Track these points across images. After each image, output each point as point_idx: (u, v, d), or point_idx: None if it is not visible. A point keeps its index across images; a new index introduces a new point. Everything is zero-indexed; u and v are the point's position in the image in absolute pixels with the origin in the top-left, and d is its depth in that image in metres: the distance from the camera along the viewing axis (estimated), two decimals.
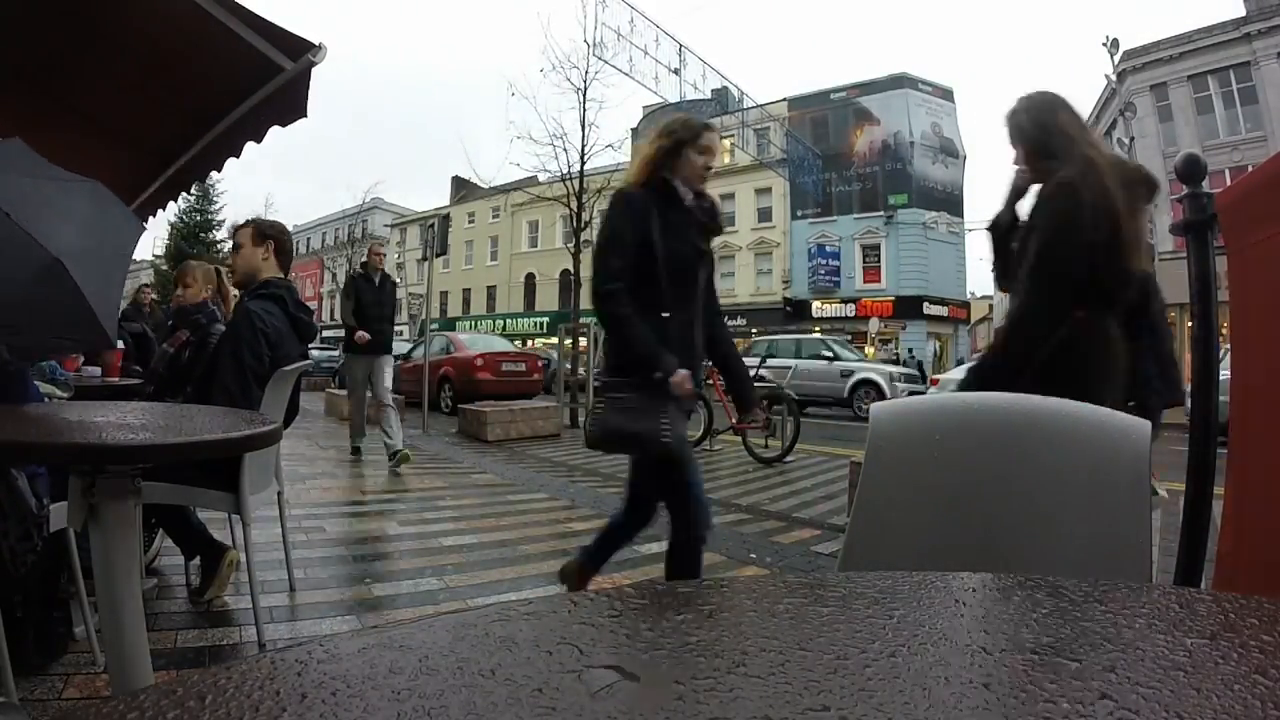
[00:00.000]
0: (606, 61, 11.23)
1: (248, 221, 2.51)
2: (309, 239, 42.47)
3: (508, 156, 30.70)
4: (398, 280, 6.11)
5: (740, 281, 26.19)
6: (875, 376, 12.53)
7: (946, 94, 24.46)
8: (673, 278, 1.84)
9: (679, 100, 14.60)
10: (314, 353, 8.91)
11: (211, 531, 2.29)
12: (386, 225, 39.02)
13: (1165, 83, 18.94)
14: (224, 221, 27.60)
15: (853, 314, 23.17)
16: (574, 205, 10.23)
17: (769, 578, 0.56)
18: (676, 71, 13.96)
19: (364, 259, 5.88)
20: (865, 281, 23.67)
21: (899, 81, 23.80)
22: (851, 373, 12.78)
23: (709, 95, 16.92)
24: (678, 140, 1.88)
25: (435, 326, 13.79)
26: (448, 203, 36.86)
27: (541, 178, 13.17)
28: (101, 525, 1.07)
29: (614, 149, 11.63)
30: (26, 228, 1.54)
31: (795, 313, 24.44)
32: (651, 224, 1.83)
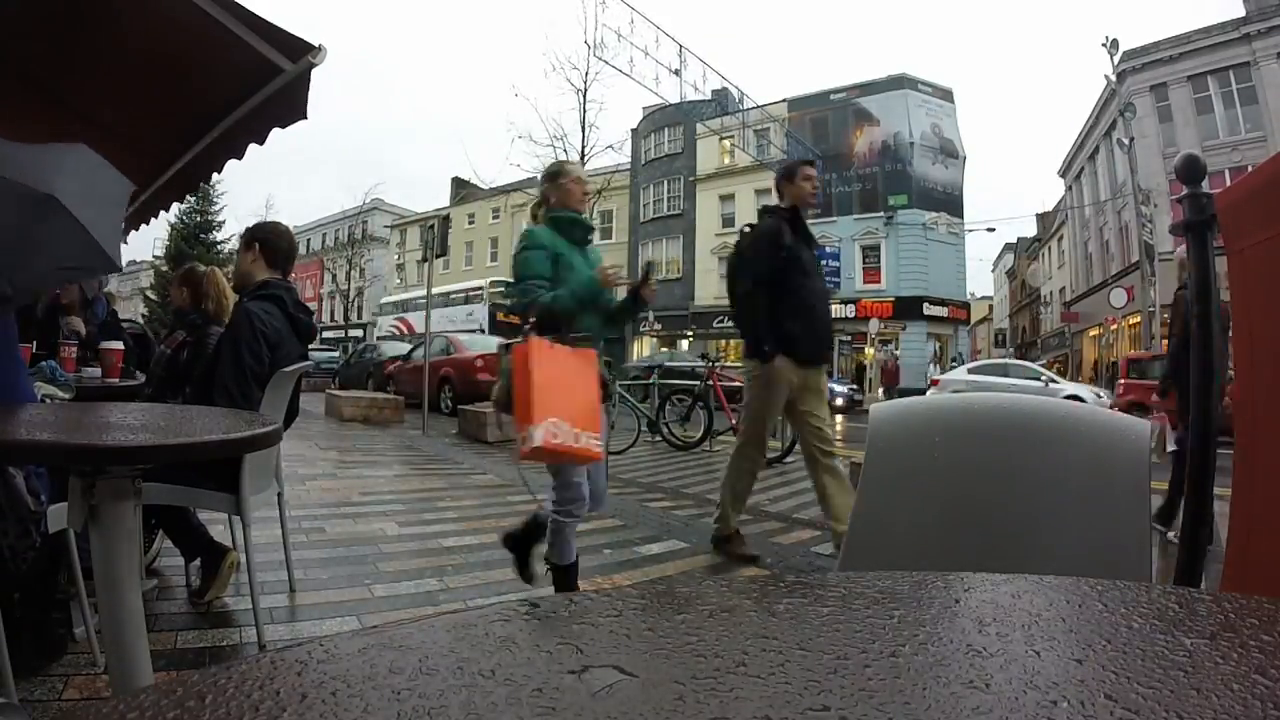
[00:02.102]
0: (607, 62, 11.27)
1: (248, 238, 2.51)
2: (309, 240, 42.43)
3: (508, 157, 30.77)
4: None
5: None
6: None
7: (946, 94, 24.46)
8: None
9: (679, 101, 14.62)
10: (314, 353, 8.94)
11: (211, 532, 2.29)
12: (387, 226, 39.05)
13: (1165, 83, 18.96)
14: (224, 223, 27.65)
15: (853, 315, 23.17)
16: None
17: (769, 578, 0.56)
18: (677, 72, 13.97)
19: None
20: (865, 282, 23.66)
21: (899, 82, 23.79)
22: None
23: (709, 96, 16.93)
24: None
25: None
26: (448, 204, 36.88)
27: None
28: (102, 526, 1.07)
29: (614, 150, 11.65)
30: (14, 177, 1.57)
31: None
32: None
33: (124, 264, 2.13)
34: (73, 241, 1.66)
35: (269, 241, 2.37)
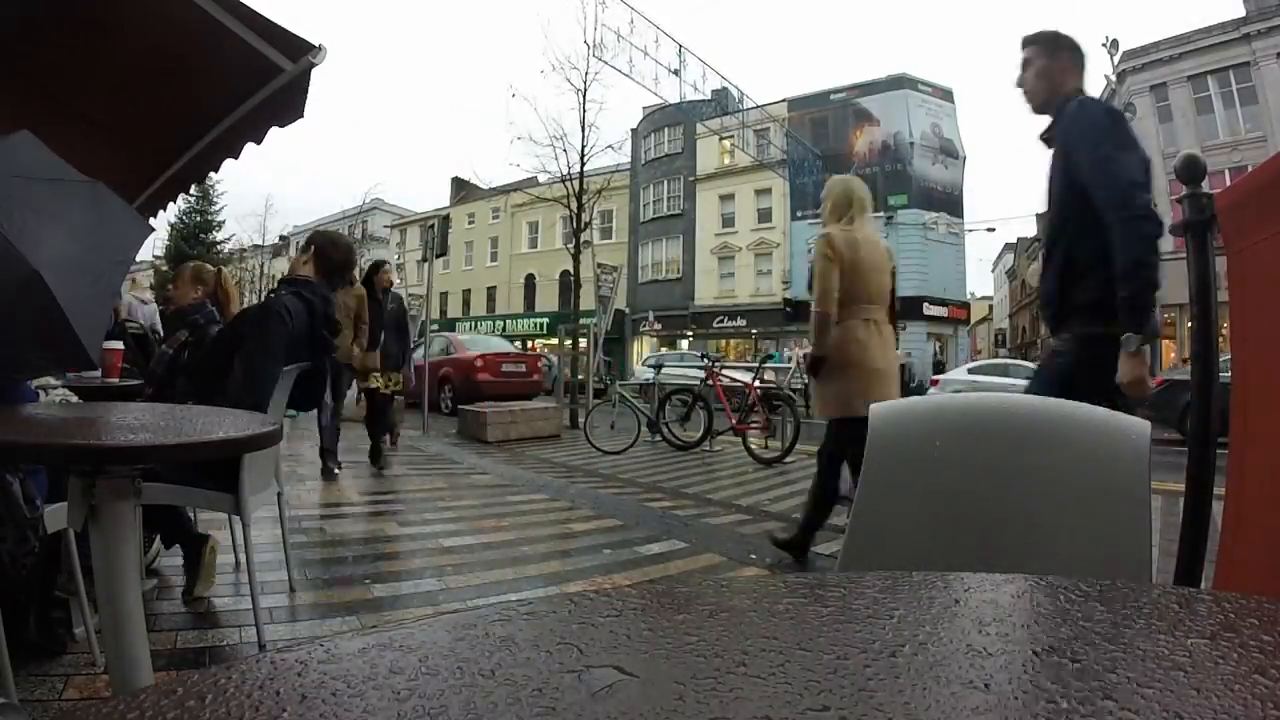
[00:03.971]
0: (606, 63, 11.26)
1: (307, 241, 2.51)
2: None
3: (508, 157, 30.75)
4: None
5: (740, 282, 26.19)
6: None
7: (946, 94, 24.46)
8: None
9: (679, 101, 14.62)
10: None
11: (211, 532, 2.29)
12: (386, 226, 39.05)
13: (1165, 83, 18.95)
14: (224, 223, 27.71)
15: None
16: (574, 206, 10.24)
17: (769, 578, 0.56)
18: (676, 72, 13.99)
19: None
20: None
21: (899, 82, 23.79)
22: None
23: (709, 96, 16.93)
24: None
25: (435, 327, 13.80)
26: (448, 203, 36.88)
27: (541, 179, 13.19)
28: (102, 526, 1.07)
29: (614, 150, 11.65)
30: (8, 235, 1.45)
31: (795, 314, 24.44)
32: None
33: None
34: (50, 330, 1.51)
35: (324, 250, 2.41)
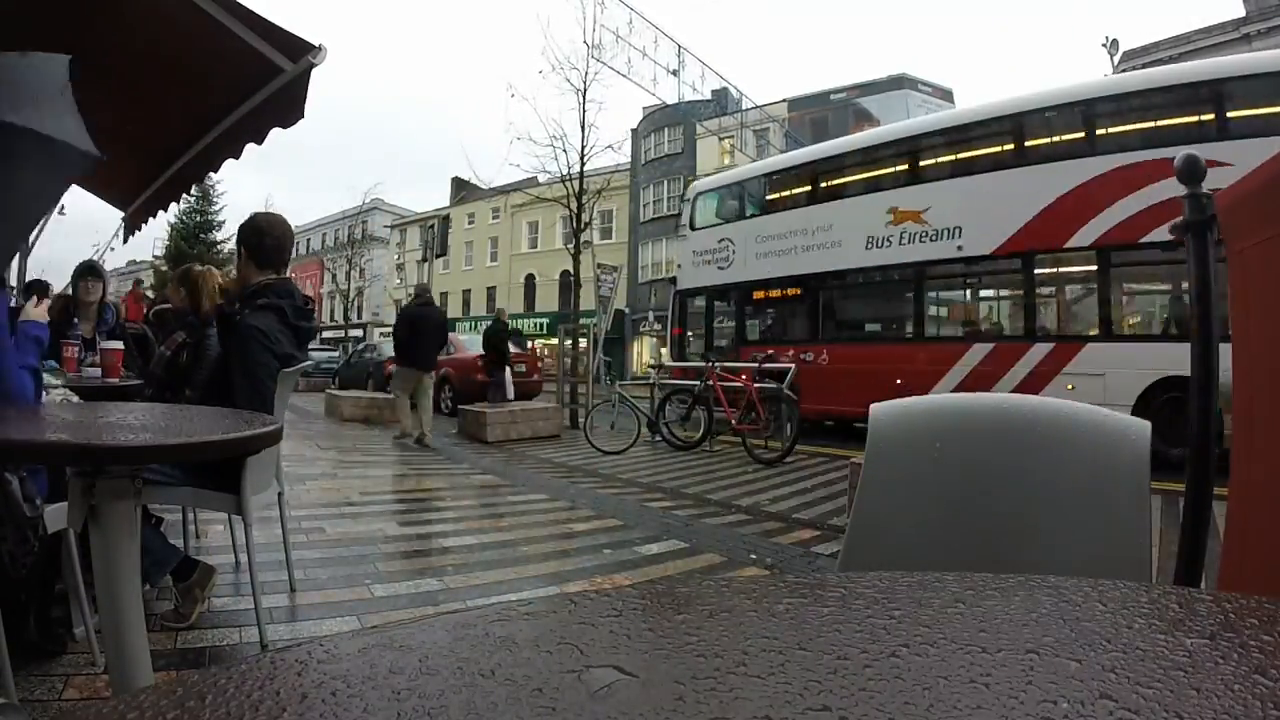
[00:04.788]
0: (605, 63, 11.24)
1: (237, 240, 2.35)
2: (309, 240, 42.48)
3: (507, 158, 30.65)
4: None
5: None
6: None
7: (946, 94, 24.45)
8: None
9: (678, 101, 14.61)
10: (314, 353, 8.91)
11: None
12: (387, 226, 39.04)
13: None
14: (224, 222, 27.77)
15: None
16: (574, 206, 10.24)
17: (769, 578, 0.56)
18: (675, 73, 13.96)
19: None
20: None
21: (899, 82, 23.78)
22: None
23: (708, 96, 16.92)
24: None
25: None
26: (448, 204, 36.89)
27: (541, 179, 13.18)
28: (102, 526, 1.07)
29: (614, 150, 11.65)
30: None
31: None
32: None
33: (124, 263, 2.00)
34: (39, 157, 1.39)
35: (250, 242, 2.23)
